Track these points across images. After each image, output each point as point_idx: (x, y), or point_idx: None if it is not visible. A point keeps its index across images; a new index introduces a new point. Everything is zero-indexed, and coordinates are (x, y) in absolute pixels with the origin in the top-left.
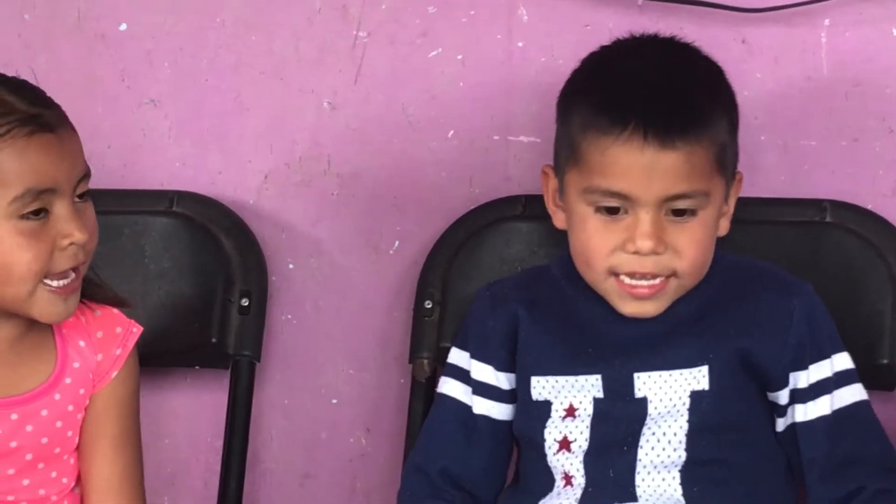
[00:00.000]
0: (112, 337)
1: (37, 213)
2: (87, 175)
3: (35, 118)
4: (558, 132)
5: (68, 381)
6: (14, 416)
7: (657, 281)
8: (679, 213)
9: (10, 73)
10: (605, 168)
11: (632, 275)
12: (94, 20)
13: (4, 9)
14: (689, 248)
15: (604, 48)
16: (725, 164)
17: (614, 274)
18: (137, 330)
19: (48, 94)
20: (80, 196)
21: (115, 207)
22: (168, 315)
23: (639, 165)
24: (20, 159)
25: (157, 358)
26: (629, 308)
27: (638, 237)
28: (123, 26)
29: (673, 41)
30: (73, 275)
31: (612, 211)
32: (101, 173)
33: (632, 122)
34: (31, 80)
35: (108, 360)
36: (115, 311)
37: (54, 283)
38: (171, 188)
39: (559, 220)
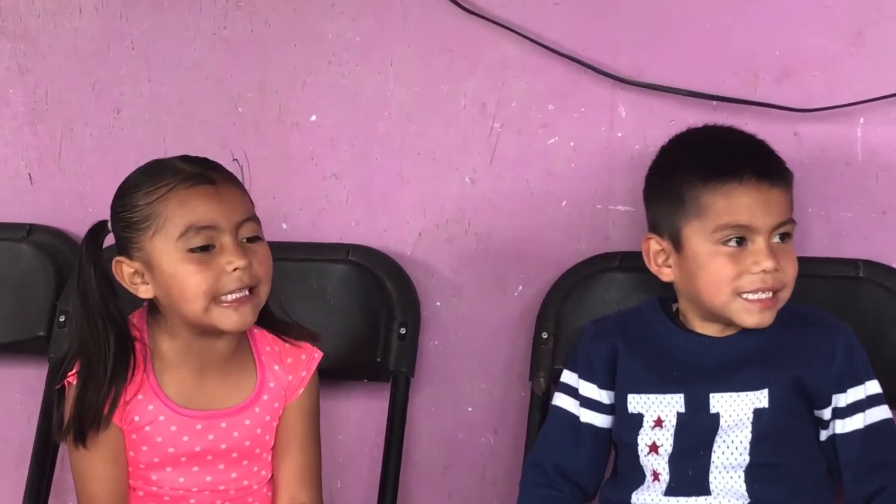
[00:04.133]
0: (299, 362)
1: (204, 248)
2: (250, 219)
3: (196, 176)
4: (660, 204)
5: (265, 397)
6: (223, 425)
7: (771, 295)
8: (782, 237)
9: (225, 153)
10: (731, 208)
11: (754, 292)
12: (291, 113)
13: (224, 103)
14: (791, 266)
15: (680, 134)
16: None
17: (739, 295)
18: (319, 355)
19: (256, 168)
20: (251, 239)
21: (305, 256)
22: (344, 340)
23: (758, 201)
24: (181, 204)
25: (334, 372)
26: (753, 320)
27: (763, 259)
28: (313, 117)
29: (733, 127)
30: (245, 292)
31: (740, 242)
32: (294, 230)
33: (747, 169)
34: (242, 158)
35: (297, 380)
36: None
37: (228, 298)
38: (348, 242)
39: (665, 275)
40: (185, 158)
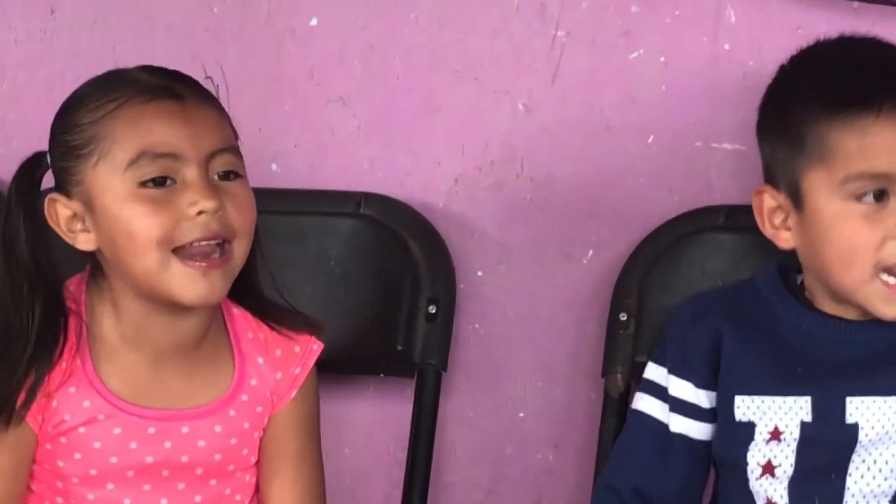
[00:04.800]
0: (291, 355)
1: (160, 182)
2: (227, 150)
3: (157, 88)
4: (776, 145)
5: (245, 398)
6: (185, 430)
7: None
8: None
9: (197, 67)
10: (866, 151)
11: None
12: (285, 15)
13: (194, 2)
14: None
15: (803, 50)
16: None
17: (881, 273)
18: (318, 347)
19: (237, 89)
20: (225, 175)
21: (301, 208)
22: (352, 320)
23: None
24: (133, 123)
25: (340, 364)
26: (893, 312)
27: None
28: (314, 21)
29: (876, 38)
30: (215, 251)
31: (879, 196)
32: (287, 173)
33: (888, 97)
34: (218, 75)
35: (288, 378)
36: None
37: (193, 255)
38: (359, 189)
39: (784, 240)
40: (149, 69)
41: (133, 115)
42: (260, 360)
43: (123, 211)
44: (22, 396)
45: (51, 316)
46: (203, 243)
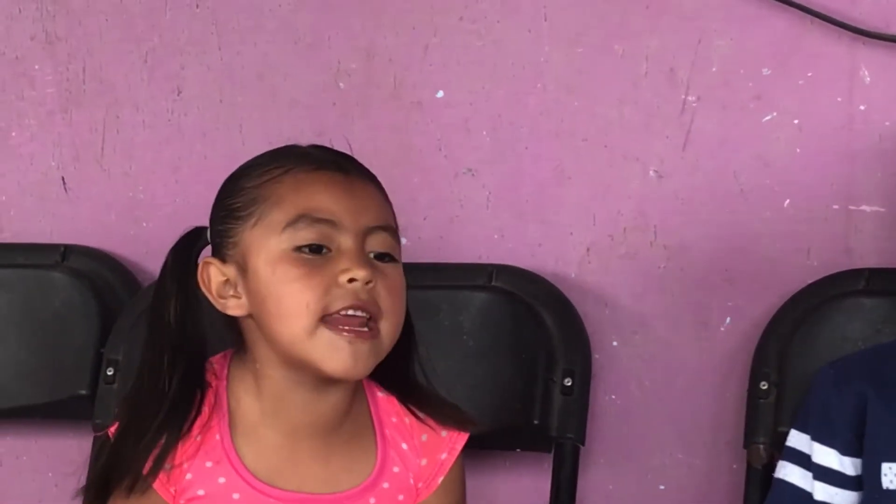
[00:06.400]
0: (437, 441)
1: (316, 250)
2: (385, 230)
3: (325, 160)
4: None
5: (386, 485)
6: None
7: None
8: None
9: (324, 142)
10: None
11: None
12: (411, 87)
13: (320, 77)
14: None
15: None
16: None
17: None
18: (465, 434)
19: (363, 162)
20: (381, 256)
21: (433, 282)
22: (487, 395)
23: None
24: (297, 187)
25: (475, 440)
26: None
27: None
28: (440, 93)
29: None
30: (363, 325)
31: None
32: (416, 246)
33: None
34: (346, 149)
35: (434, 465)
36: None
37: (342, 326)
38: (490, 261)
39: None
40: (319, 146)
41: (297, 181)
42: (404, 447)
43: (276, 272)
44: (149, 464)
45: (188, 386)
46: (351, 312)
